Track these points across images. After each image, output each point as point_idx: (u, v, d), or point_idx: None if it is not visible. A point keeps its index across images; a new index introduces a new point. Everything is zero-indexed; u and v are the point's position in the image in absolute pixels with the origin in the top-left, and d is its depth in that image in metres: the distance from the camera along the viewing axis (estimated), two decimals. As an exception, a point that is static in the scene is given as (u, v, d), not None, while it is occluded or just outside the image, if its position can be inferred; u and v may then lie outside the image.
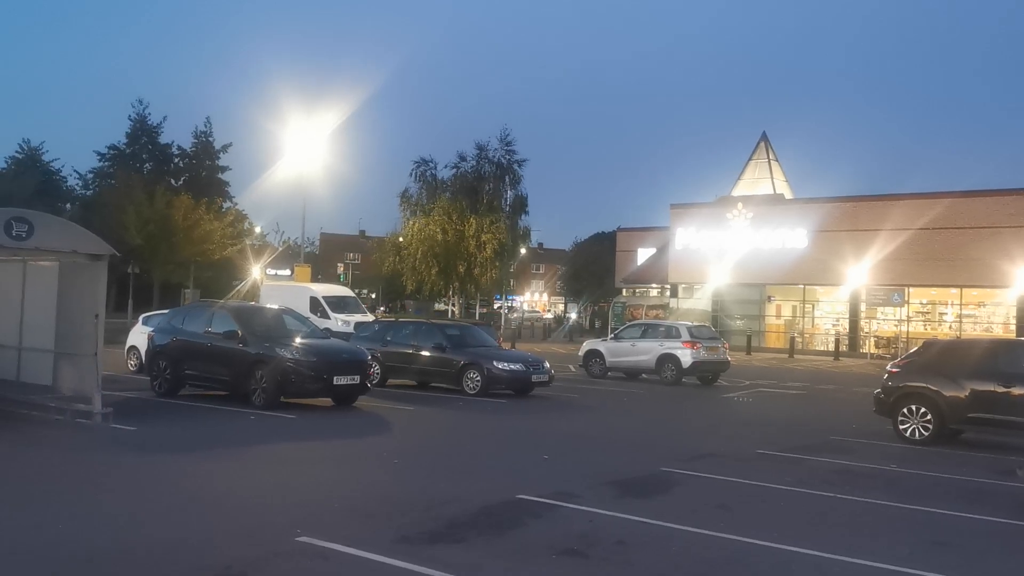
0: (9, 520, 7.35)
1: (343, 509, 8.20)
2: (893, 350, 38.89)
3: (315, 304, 29.45)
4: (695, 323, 27.48)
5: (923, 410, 13.58)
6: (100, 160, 63.16)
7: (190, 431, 12.88)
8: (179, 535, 7.06)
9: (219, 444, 11.91)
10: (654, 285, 52.64)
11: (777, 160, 53.59)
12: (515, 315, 67.15)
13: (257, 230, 62.73)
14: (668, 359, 23.43)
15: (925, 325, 42.23)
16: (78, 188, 64.51)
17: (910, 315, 42.45)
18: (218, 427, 13.49)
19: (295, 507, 8.18)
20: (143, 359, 19.50)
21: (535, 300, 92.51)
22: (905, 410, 13.82)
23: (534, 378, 19.13)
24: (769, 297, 46.64)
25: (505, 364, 19.01)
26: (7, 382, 13.71)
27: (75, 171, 64.92)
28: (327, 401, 15.77)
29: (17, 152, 62.27)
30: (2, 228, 11.80)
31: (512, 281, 66.21)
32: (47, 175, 62.35)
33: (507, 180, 51.43)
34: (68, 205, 60.34)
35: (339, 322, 27.73)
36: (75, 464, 10.02)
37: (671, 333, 24.14)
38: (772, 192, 49.76)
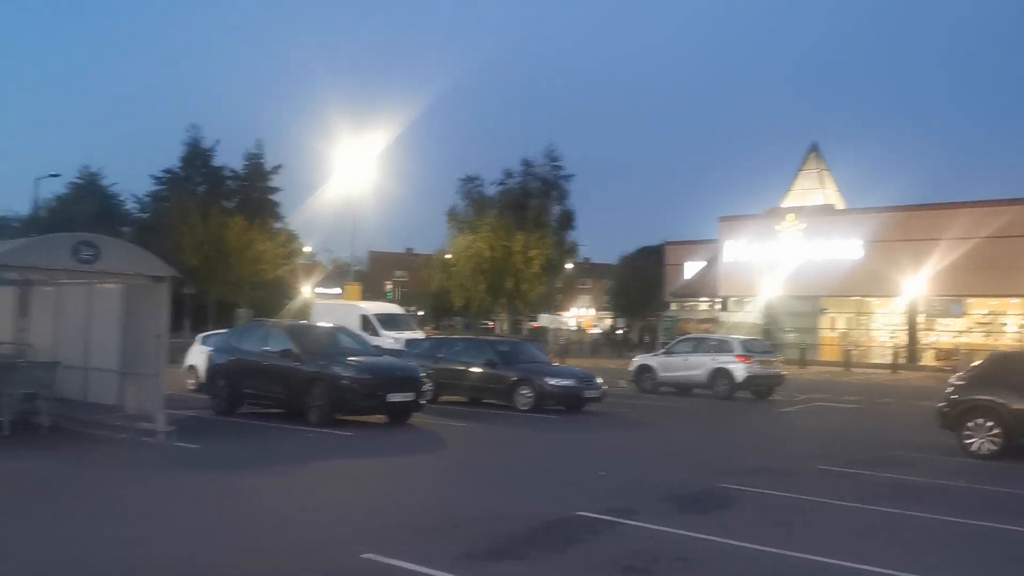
0: (84, 536, 7.55)
1: (404, 525, 8.27)
2: (954, 362, 38.04)
3: (365, 322, 29.78)
4: (748, 336, 27.21)
5: (990, 424, 13.28)
6: (156, 184, 64.71)
7: (250, 448, 13.10)
8: (247, 551, 7.19)
9: (279, 461, 12.10)
10: (703, 298, 52.25)
11: (828, 170, 52.96)
12: (563, 330, 67.10)
13: (307, 249, 63.62)
14: (721, 373, 23.22)
15: (986, 336, 41.26)
16: (136, 211, 66.06)
17: (970, 326, 41.51)
18: (277, 444, 13.69)
19: (357, 523, 8.29)
20: (202, 377, 19.87)
21: (581, 315, 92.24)
22: (971, 424, 13.52)
23: (586, 394, 19.09)
24: (823, 309, 45.98)
25: (557, 380, 19.01)
26: (75, 402, 14.06)
27: (132, 195, 66.53)
28: (382, 418, 15.92)
29: (78, 178, 64.00)
30: (70, 252, 12.17)
31: (559, 296, 66.15)
32: (106, 199, 63.95)
33: (553, 195, 51.61)
34: (126, 228, 61.75)
35: (389, 340, 27.98)
36: (142, 481, 10.24)
37: (724, 347, 23.95)
38: (823, 203, 49.16)
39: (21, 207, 55.02)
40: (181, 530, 7.85)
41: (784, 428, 18.40)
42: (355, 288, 42.09)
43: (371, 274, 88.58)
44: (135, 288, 13.71)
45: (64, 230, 20.36)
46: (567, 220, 52.05)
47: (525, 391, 18.67)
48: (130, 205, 66.46)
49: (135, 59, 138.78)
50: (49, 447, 12.10)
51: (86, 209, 55.57)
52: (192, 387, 21.42)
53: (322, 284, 60.00)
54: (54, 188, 61.20)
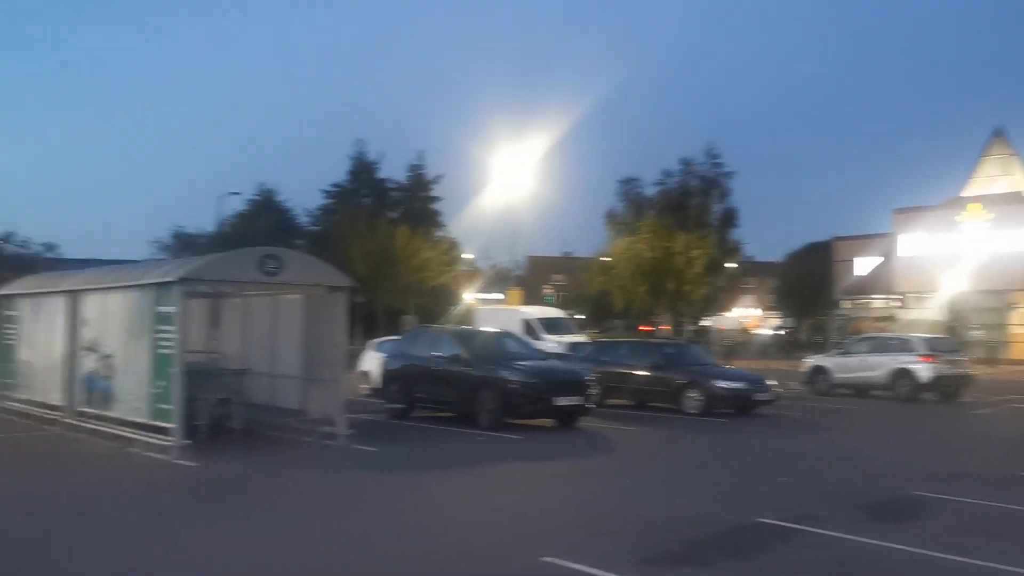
0: (279, 533, 7.95)
1: (582, 528, 8.25)
2: None
3: (527, 326, 30.00)
4: (932, 334, 25.62)
5: None
6: (326, 197, 67.75)
7: (425, 451, 13.45)
8: (428, 552, 7.35)
9: (454, 464, 12.35)
10: (878, 295, 49.62)
11: (1016, 155, 49.13)
12: (728, 331, 65.44)
13: (467, 256, 64.93)
14: (903, 374, 21.97)
15: None
16: (308, 224, 69.39)
17: None
18: (450, 447, 13.99)
19: (533, 526, 8.33)
20: (376, 382, 20.59)
21: (746, 315, 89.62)
22: None
23: (757, 396, 18.51)
24: (1013, 304, 42.70)
25: (726, 382, 18.53)
26: (262, 406, 14.88)
27: (304, 209, 69.89)
28: (549, 422, 15.99)
29: (256, 195, 67.92)
30: (256, 265, 12.92)
31: (722, 297, 64.55)
32: (281, 214, 67.49)
33: (714, 194, 50.47)
34: (300, 241, 65.00)
35: (551, 343, 28.07)
36: (329, 483, 10.70)
37: (906, 346, 22.65)
38: (1009, 191, 45.66)
39: (207, 224, 58.90)
40: (367, 531, 8.13)
41: (978, 432, 17.18)
42: (517, 293, 42.59)
43: (530, 278, 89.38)
44: (315, 298, 14.38)
45: (245, 245, 21.60)
46: (729, 218, 50.76)
47: (693, 394, 18.30)
48: (302, 219, 69.92)
49: (306, 81, 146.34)
50: (242, 449, 12.85)
51: (264, 224, 58.87)
52: (367, 392, 22.24)
53: (483, 290, 61.11)
54: (235, 205, 65.24)
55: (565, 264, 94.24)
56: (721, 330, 60.86)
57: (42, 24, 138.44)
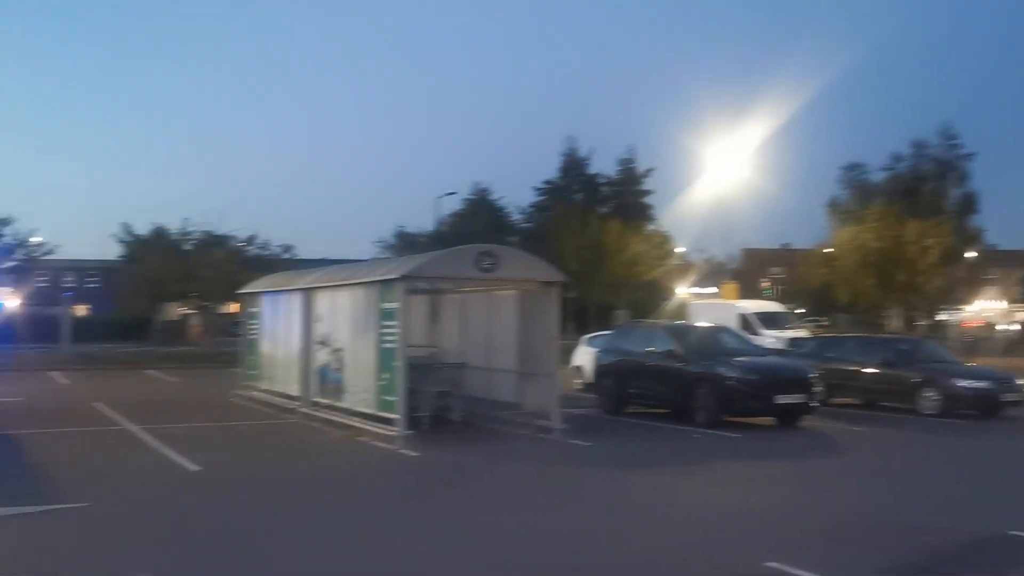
0: (498, 523, 8.09)
1: (809, 533, 7.79)
2: None
3: (744, 321, 28.99)
4: None
5: None
6: (537, 194, 69.06)
7: (639, 448, 13.28)
8: (647, 551, 7.21)
9: (669, 461, 12.12)
10: None
11: None
12: (969, 326, 60.31)
13: (680, 250, 63.88)
14: None
15: None
16: (520, 222, 70.96)
17: None
18: (665, 444, 13.74)
19: (756, 529, 7.96)
20: (589, 377, 20.64)
21: (989, 308, 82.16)
22: None
23: (1004, 397, 16.85)
24: None
25: (969, 381, 16.99)
26: (479, 399, 15.30)
27: (517, 206, 71.56)
28: (770, 420, 15.33)
29: (471, 194, 70.33)
30: (473, 262, 13.28)
31: (961, 289, 59.55)
32: (495, 212, 69.50)
33: (951, 178, 46.63)
34: (513, 238, 66.57)
35: (770, 339, 26.95)
36: (544, 476, 10.79)
37: None
38: None
39: (427, 223, 61.63)
40: (583, 525, 8.10)
41: None
42: (732, 287, 41.35)
43: (745, 272, 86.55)
44: (528, 293, 14.58)
45: (461, 243, 22.27)
46: (968, 204, 46.76)
47: (930, 393, 16.93)
48: (515, 216, 71.58)
49: (517, 81, 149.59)
50: (461, 440, 13.24)
51: (479, 222, 60.82)
52: (579, 386, 22.33)
53: (696, 284, 59.86)
54: (452, 205, 67.85)
55: (783, 256, 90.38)
56: (963, 326, 56.07)
57: (284, 49, 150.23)
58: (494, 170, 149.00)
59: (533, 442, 13.13)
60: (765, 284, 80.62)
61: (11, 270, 40.25)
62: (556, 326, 14.17)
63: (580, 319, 49.22)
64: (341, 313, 14.73)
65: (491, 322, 15.67)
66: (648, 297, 56.72)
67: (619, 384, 17.07)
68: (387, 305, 13.02)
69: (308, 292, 15.88)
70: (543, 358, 14.07)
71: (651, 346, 16.70)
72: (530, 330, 14.56)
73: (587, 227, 49.37)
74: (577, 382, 22.61)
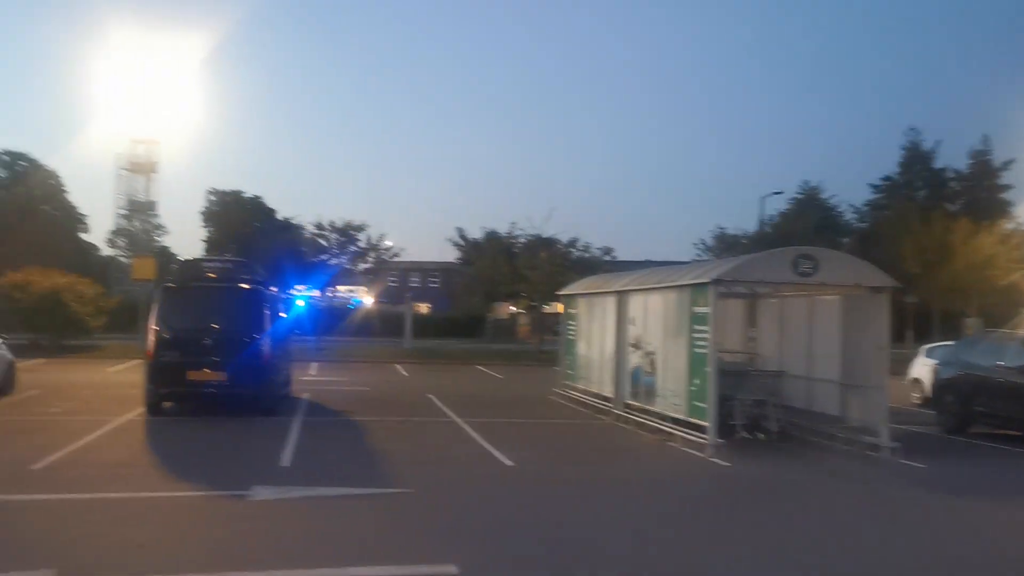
0: (822, 547, 7.53)
1: None
2: None
3: None
4: None
5: None
6: (874, 192, 64.46)
7: (986, 474, 11.82)
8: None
9: (1021, 492, 10.62)
10: None
11: None
12: None
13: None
14: None
15: None
16: (854, 221, 66.63)
17: None
18: (1017, 472, 12.09)
19: None
20: (927, 392, 18.79)
21: None
22: None
23: None
24: None
25: None
26: (798, 410, 14.47)
27: (851, 205, 67.29)
28: None
29: (798, 193, 67.28)
30: (790, 265, 12.58)
31: None
32: (825, 212, 65.93)
33: None
34: (845, 239, 62.65)
35: None
36: (871, 498, 9.91)
37: None
38: None
39: (748, 224, 59.89)
40: (916, 559, 7.29)
41: None
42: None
43: None
44: (853, 299, 13.55)
45: (786, 244, 21.30)
46: None
47: None
48: (848, 216, 67.31)
49: (852, 73, 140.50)
50: (776, 453, 12.57)
51: (806, 223, 57.98)
52: (917, 401, 20.41)
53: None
54: (778, 204, 65.32)
55: None
56: None
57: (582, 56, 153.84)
58: (825, 167, 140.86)
59: (858, 460, 12.15)
60: None
61: (365, 271, 44.87)
62: (886, 335, 12.99)
63: (921, 326, 45.07)
64: (653, 316, 14.66)
65: (812, 329, 14.75)
66: (1004, 304, 50.48)
67: (963, 401, 15.32)
68: (698, 309, 12.73)
69: (621, 295, 16.00)
70: (870, 369, 12.99)
71: (1003, 359, 14.79)
72: (856, 338, 13.51)
73: (930, 226, 45.05)
74: (915, 397, 20.69)
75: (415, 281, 74.05)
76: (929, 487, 10.64)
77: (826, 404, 14.15)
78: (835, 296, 14.04)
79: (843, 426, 13.37)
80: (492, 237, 44.40)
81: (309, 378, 22.85)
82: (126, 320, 36.69)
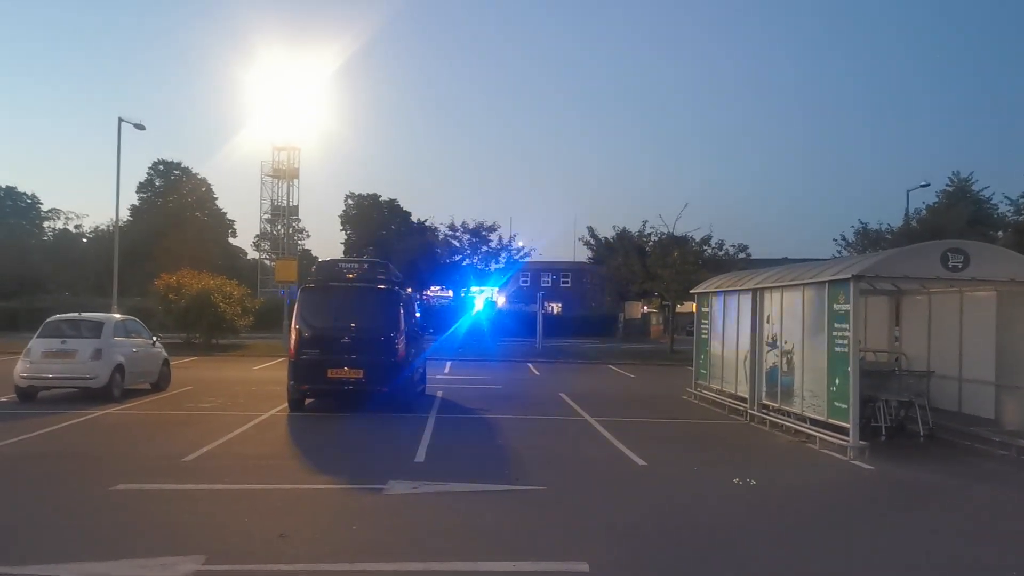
0: (975, 558, 7.14)
1: None
2: None
3: None
4: None
5: None
6: (1032, 182, 60.35)
7: None
8: None
9: None
10: None
11: None
12: None
13: None
14: None
15: None
16: (1010, 214, 62.56)
17: None
18: None
19: None
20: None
21: None
22: None
23: None
24: None
25: None
26: (948, 412, 13.73)
27: (1006, 197, 63.18)
28: None
29: (948, 185, 63.73)
30: (939, 260, 11.93)
31: None
32: (978, 204, 62.20)
33: None
34: (999, 233, 58.95)
35: None
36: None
37: None
38: None
39: (893, 219, 57.16)
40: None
41: None
42: None
43: None
44: (1009, 295, 12.75)
45: (934, 238, 20.26)
46: None
47: None
48: (1003, 208, 63.24)
49: (1006, 59, 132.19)
50: (924, 457, 11.95)
51: (957, 216, 54.86)
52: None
53: None
54: (926, 197, 62.07)
55: None
56: None
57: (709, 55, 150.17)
58: (978, 158, 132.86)
59: (1014, 465, 11.41)
60: None
61: (498, 271, 45.45)
62: (1045, 333, 12.16)
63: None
64: (790, 314, 14.20)
65: (963, 327, 13.96)
66: None
67: None
68: (838, 306, 12.25)
69: (757, 292, 15.59)
70: (1030, 370, 12.19)
71: None
72: (1012, 337, 12.70)
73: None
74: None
75: (547, 281, 74.41)
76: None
77: (979, 406, 13.37)
78: (988, 292, 13.25)
79: (997, 429, 12.60)
80: (624, 236, 44.02)
81: (443, 376, 23.32)
82: (272, 320, 38.51)
